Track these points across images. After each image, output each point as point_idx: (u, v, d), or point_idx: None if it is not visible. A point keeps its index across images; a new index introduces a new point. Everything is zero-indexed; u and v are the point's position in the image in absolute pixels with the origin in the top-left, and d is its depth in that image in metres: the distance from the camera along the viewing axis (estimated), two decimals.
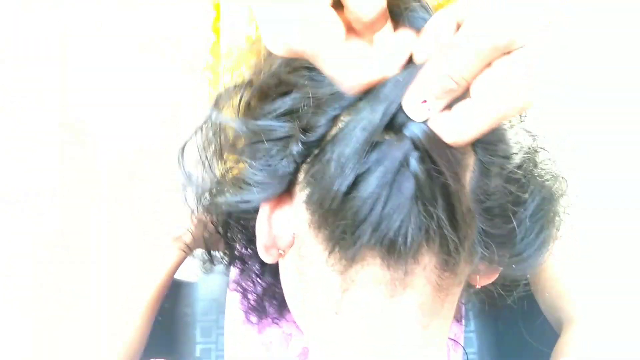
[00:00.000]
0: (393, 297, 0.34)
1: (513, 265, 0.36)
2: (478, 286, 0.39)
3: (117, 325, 0.53)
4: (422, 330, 0.35)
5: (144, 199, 1.28)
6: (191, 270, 0.59)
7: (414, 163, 0.30)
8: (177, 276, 0.66)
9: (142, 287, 0.55)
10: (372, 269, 0.33)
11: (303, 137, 0.33)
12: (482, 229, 0.33)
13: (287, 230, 0.36)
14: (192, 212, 0.43)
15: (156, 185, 1.28)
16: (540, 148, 0.37)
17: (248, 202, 0.36)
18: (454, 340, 0.62)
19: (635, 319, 0.47)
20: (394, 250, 0.31)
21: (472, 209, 0.33)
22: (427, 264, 0.33)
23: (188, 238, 0.56)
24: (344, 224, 0.32)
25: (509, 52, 0.27)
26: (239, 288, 0.54)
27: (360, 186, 0.31)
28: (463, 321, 0.63)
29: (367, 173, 0.31)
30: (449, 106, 0.29)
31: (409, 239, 0.31)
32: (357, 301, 0.34)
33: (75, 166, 1.36)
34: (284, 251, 0.37)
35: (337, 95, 0.32)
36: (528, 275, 0.54)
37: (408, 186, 0.30)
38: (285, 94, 0.35)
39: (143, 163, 1.35)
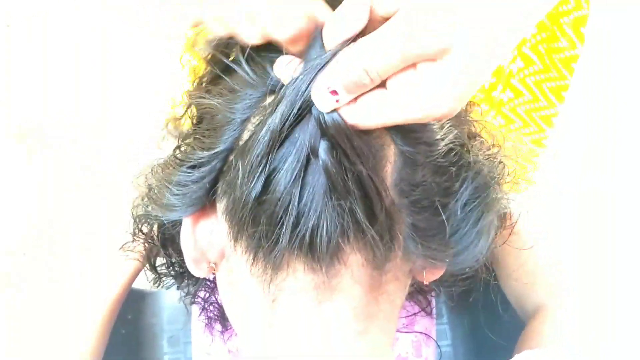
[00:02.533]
0: (322, 302, 0.32)
1: (447, 260, 0.34)
2: (425, 282, 0.37)
3: (70, 341, 0.51)
4: (359, 336, 0.33)
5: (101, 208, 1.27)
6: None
7: (323, 154, 0.28)
8: (140, 286, 0.64)
9: (96, 301, 0.53)
10: (297, 275, 0.32)
11: (203, 153, 0.32)
12: (411, 222, 0.31)
13: (213, 241, 0.35)
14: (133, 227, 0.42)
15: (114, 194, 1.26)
16: (475, 134, 0.35)
17: (169, 219, 0.36)
18: (425, 334, 0.61)
19: (600, 305, 0.47)
20: (314, 251, 0.30)
21: (396, 203, 0.31)
22: (352, 263, 0.31)
23: (141, 248, 0.54)
24: (260, 230, 0.30)
25: (435, 59, 0.25)
26: (198, 300, 0.53)
27: (271, 188, 0.29)
28: (434, 314, 0.62)
29: (276, 172, 0.29)
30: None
31: (325, 238, 0.30)
32: (287, 311, 0.33)
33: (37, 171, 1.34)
34: (215, 264, 0.36)
35: (246, 101, 0.31)
36: (493, 266, 0.52)
37: (319, 180, 0.29)
38: (200, 120, 0.35)
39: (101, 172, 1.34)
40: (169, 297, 0.67)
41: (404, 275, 0.35)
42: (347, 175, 0.29)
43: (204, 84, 0.37)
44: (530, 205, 0.47)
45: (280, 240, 0.30)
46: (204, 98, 0.35)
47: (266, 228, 0.30)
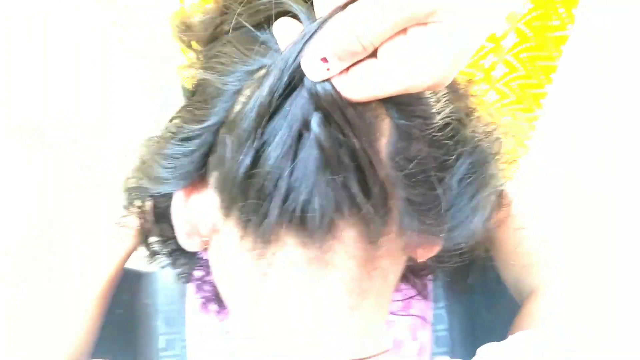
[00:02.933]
0: (314, 277, 0.32)
1: (441, 235, 0.34)
2: (420, 260, 0.37)
3: (63, 319, 0.51)
4: (351, 312, 0.33)
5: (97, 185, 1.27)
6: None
7: (315, 127, 0.28)
8: (136, 266, 0.64)
9: (91, 279, 0.52)
10: (288, 249, 0.31)
11: (194, 126, 0.32)
12: (406, 196, 0.31)
13: (205, 216, 0.34)
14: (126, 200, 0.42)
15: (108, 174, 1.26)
16: (472, 110, 0.35)
17: (160, 192, 0.35)
18: (422, 318, 0.61)
19: (594, 290, 0.46)
20: (306, 226, 0.30)
21: (391, 177, 0.30)
22: (346, 237, 0.31)
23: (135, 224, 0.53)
24: (249, 205, 0.30)
25: (425, 23, 0.25)
26: (193, 278, 0.52)
27: (261, 161, 0.29)
28: (431, 298, 0.62)
29: (266, 145, 0.29)
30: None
31: (318, 213, 0.29)
32: (279, 286, 0.32)
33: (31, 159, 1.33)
34: (207, 238, 0.36)
35: (237, 73, 0.31)
36: (489, 247, 0.52)
37: (312, 154, 0.28)
38: (193, 93, 0.34)
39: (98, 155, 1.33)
40: (165, 278, 0.67)
41: (398, 252, 0.35)
42: (340, 149, 0.28)
43: (198, 58, 0.37)
44: (521, 186, 0.47)
45: (270, 214, 0.30)
46: (200, 70, 0.34)
47: (255, 202, 0.30)
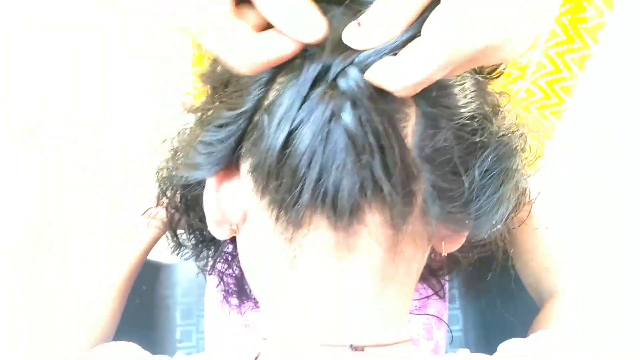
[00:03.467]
0: (341, 261, 0.33)
1: (466, 223, 0.34)
2: (444, 253, 0.37)
3: (86, 305, 0.52)
4: (374, 298, 0.33)
5: (117, 177, 1.27)
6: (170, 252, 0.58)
7: (344, 114, 0.29)
8: (156, 258, 0.64)
9: (113, 267, 0.53)
10: (318, 232, 0.32)
11: (229, 113, 0.33)
12: (431, 183, 0.32)
13: (236, 203, 0.35)
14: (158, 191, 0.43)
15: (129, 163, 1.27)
16: (496, 105, 0.35)
17: (194, 178, 0.36)
18: (437, 317, 0.61)
19: (615, 292, 0.47)
20: (336, 209, 0.31)
21: (417, 162, 0.31)
22: (371, 222, 0.32)
23: (163, 215, 0.54)
24: (284, 184, 0.31)
25: None
26: (213, 271, 0.53)
27: (295, 142, 0.30)
28: (447, 298, 0.63)
29: (300, 127, 0.30)
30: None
31: (345, 195, 0.30)
32: (307, 270, 0.33)
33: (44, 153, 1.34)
34: (237, 226, 0.36)
35: None
36: (508, 247, 0.53)
37: (341, 135, 0.30)
38: (227, 84, 0.35)
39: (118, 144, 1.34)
40: (184, 271, 0.68)
41: (422, 241, 0.35)
42: (366, 131, 0.29)
43: None
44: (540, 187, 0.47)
45: (303, 194, 0.31)
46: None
47: (289, 182, 0.31)
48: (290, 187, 0.31)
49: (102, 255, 0.53)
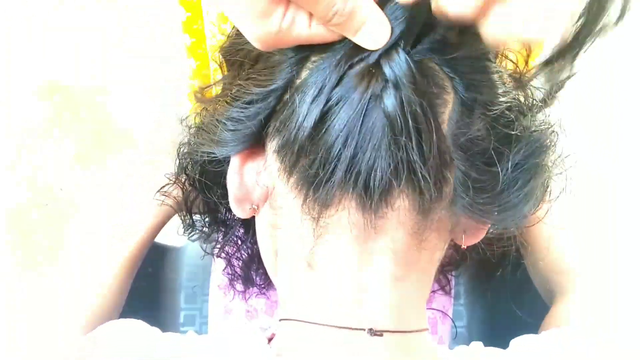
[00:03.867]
0: (365, 242, 0.33)
1: (495, 214, 0.34)
2: (464, 246, 0.37)
3: (92, 281, 0.52)
4: (396, 283, 0.33)
5: (128, 155, 1.28)
6: (177, 235, 0.58)
7: (387, 95, 0.29)
8: (162, 241, 0.64)
9: (119, 245, 0.53)
10: (345, 213, 0.32)
11: (259, 89, 0.32)
12: (463, 172, 0.32)
13: (259, 181, 0.35)
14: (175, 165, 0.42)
15: (139, 141, 1.27)
16: (531, 98, 0.35)
17: (220, 155, 0.36)
18: (442, 312, 0.61)
19: (626, 292, 0.46)
20: (367, 188, 0.31)
21: (450, 149, 0.31)
22: (399, 206, 0.32)
23: (177, 194, 0.54)
24: (317, 161, 0.31)
25: None
26: (223, 254, 0.53)
27: (331, 120, 0.30)
28: (452, 294, 0.62)
29: (337, 105, 0.30)
30: None
31: (379, 176, 0.30)
32: (330, 250, 0.33)
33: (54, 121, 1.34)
34: (257, 206, 0.36)
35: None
36: (519, 245, 0.52)
37: (378, 118, 0.30)
38: (256, 61, 0.35)
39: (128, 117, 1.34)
40: (190, 254, 0.68)
41: (445, 231, 0.35)
42: (406, 114, 0.29)
43: None
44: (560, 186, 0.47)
45: (336, 172, 0.30)
46: None
47: (323, 159, 0.30)
48: (323, 165, 0.31)
49: (111, 233, 0.53)
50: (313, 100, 0.30)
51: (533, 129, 0.34)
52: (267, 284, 0.59)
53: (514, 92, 0.33)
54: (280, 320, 0.36)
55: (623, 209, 1.15)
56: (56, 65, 1.39)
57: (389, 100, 0.29)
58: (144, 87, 1.38)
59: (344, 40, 0.30)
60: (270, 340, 0.36)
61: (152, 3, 1.39)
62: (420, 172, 0.30)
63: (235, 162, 0.36)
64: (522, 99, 0.34)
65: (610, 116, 1.28)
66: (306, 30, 0.29)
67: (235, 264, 0.54)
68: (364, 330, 0.32)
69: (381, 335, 0.32)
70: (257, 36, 0.29)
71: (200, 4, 0.64)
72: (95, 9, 1.41)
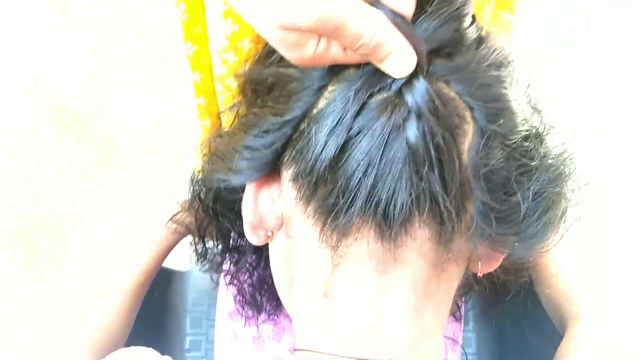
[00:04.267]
0: (385, 272, 0.32)
1: (515, 244, 0.34)
2: (480, 274, 0.37)
3: (98, 309, 0.51)
4: (414, 313, 0.33)
5: (136, 179, 1.27)
6: (183, 260, 0.57)
7: (410, 125, 0.29)
8: (168, 265, 0.64)
9: (128, 270, 0.52)
10: (364, 242, 0.32)
11: (275, 119, 0.32)
12: (482, 202, 0.32)
13: (274, 209, 0.35)
14: (189, 193, 0.42)
15: (149, 165, 1.26)
16: (549, 126, 0.35)
17: (235, 183, 0.36)
18: (452, 339, 0.61)
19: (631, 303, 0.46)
20: (387, 218, 0.30)
21: (471, 180, 0.31)
22: (419, 236, 0.31)
23: (187, 220, 0.53)
24: (336, 191, 0.30)
25: None
26: (234, 280, 0.52)
27: (352, 149, 0.30)
28: (462, 320, 0.62)
29: (359, 135, 0.30)
30: None
31: (398, 206, 0.30)
32: (347, 279, 0.33)
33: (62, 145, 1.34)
34: (271, 233, 0.36)
35: (323, 69, 0.31)
36: (530, 271, 0.52)
37: (400, 149, 0.29)
38: (271, 89, 0.35)
39: (138, 140, 1.34)
40: (195, 280, 0.67)
41: (463, 260, 0.35)
42: (428, 145, 0.29)
43: (271, 56, 0.37)
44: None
45: (356, 201, 0.30)
46: (280, 67, 0.35)
47: (343, 188, 0.30)
48: (342, 194, 0.30)
49: (118, 258, 0.52)
50: (331, 132, 0.30)
51: (551, 157, 0.34)
52: (275, 310, 0.58)
53: (531, 119, 0.33)
54: (295, 350, 0.35)
55: (622, 210, 1.15)
56: (57, 65, 1.38)
57: (412, 131, 0.29)
58: (144, 87, 1.37)
59: (361, 67, 0.30)
60: None
61: (152, 3, 1.40)
62: (443, 203, 0.30)
63: (250, 189, 0.35)
64: (539, 127, 0.34)
65: (610, 116, 1.29)
66: (342, 54, 0.30)
67: (246, 289, 0.53)
68: None
69: None
70: (292, 59, 0.30)
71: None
72: (95, 9, 1.42)
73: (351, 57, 0.30)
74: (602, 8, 1.36)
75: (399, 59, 0.29)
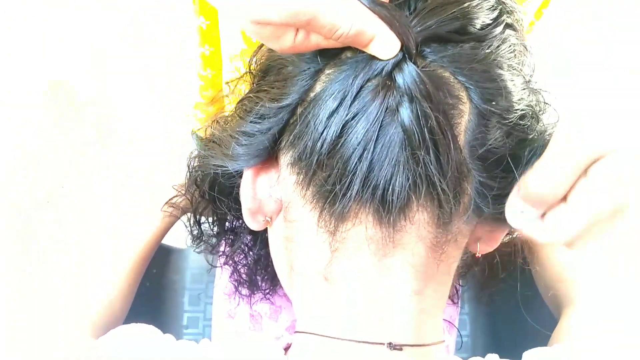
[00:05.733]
0: (384, 257, 0.32)
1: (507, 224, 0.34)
2: (478, 254, 0.37)
3: (98, 285, 0.52)
4: (414, 297, 0.33)
5: (135, 161, 1.27)
6: (182, 237, 0.57)
7: (403, 109, 0.29)
8: (167, 242, 0.64)
9: (128, 248, 0.53)
10: (362, 227, 0.32)
11: (272, 104, 0.32)
12: (480, 181, 0.32)
13: (272, 194, 0.35)
14: (186, 176, 0.42)
15: (147, 147, 1.26)
16: (545, 104, 0.35)
17: (232, 169, 0.36)
18: (449, 322, 0.61)
19: (636, 302, 0.46)
20: (385, 203, 0.30)
21: (467, 160, 0.31)
22: (418, 219, 0.31)
23: (182, 203, 0.53)
24: (333, 175, 0.30)
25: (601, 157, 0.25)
26: (229, 261, 0.52)
27: (348, 134, 0.30)
28: (459, 304, 0.62)
29: (354, 120, 0.30)
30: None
31: (396, 191, 0.30)
32: (347, 264, 0.33)
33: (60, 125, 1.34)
34: (270, 218, 0.36)
35: (317, 52, 0.31)
36: (525, 252, 0.52)
37: (396, 133, 0.29)
38: (266, 72, 0.35)
39: (135, 124, 1.34)
40: (194, 257, 0.67)
41: (462, 241, 0.35)
42: (423, 128, 0.29)
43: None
44: None
45: (352, 186, 0.30)
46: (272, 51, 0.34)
47: (340, 172, 0.30)
48: (339, 179, 0.30)
49: (118, 237, 0.53)
50: (332, 114, 0.30)
51: (547, 133, 0.34)
52: (272, 289, 0.58)
53: (528, 96, 0.33)
54: (296, 332, 0.35)
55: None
56: (57, 65, 1.38)
57: (406, 115, 0.29)
58: (145, 87, 1.37)
59: (357, 53, 0.30)
60: (285, 350, 0.36)
61: (152, 3, 1.39)
62: (440, 186, 0.30)
63: (248, 175, 0.35)
64: (534, 105, 0.34)
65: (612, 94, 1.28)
66: (324, 41, 0.29)
67: (242, 269, 0.53)
68: (384, 344, 0.32)
69: (401, 349, 0.32)
70: (273, 48, 0.30)
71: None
72: (98, 10, 1.41)
73: (335, 43, 0.29)
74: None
75: (382, 43, 0.29)
